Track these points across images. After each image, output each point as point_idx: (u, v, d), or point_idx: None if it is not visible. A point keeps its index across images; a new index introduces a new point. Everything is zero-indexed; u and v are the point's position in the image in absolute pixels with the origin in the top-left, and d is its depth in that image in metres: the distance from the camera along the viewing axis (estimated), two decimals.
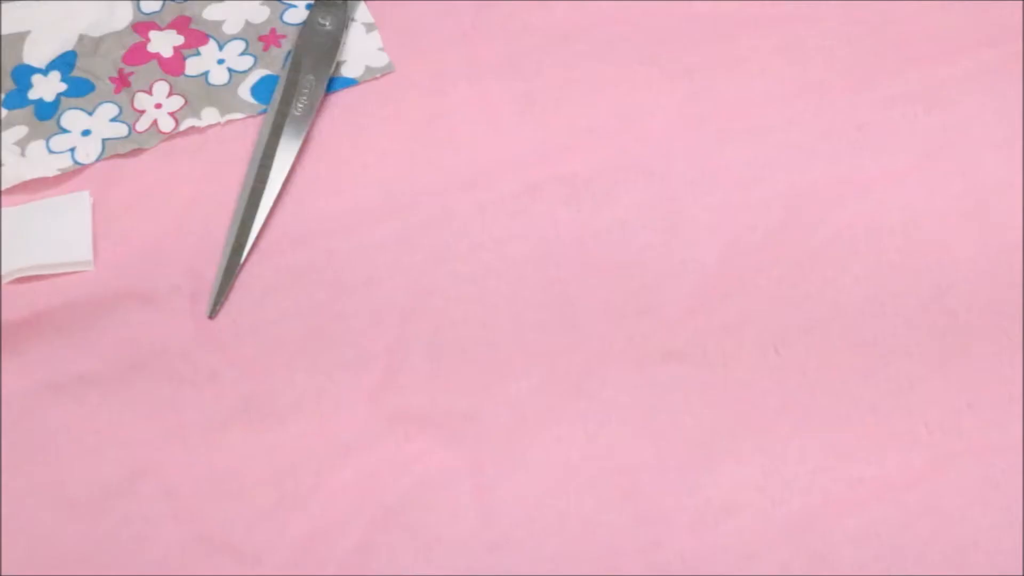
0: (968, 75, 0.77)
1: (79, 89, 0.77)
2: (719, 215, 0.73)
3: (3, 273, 0.72)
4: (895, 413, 0.69)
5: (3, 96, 0.77)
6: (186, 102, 0.77)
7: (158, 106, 0.76)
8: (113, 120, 0.76)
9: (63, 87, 0.77)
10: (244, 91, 0.77)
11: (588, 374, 0.70)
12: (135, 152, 0.76)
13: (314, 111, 0.76)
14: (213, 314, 0.71)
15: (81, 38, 0.78)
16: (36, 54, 0.78)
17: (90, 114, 0.76)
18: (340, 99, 0.77)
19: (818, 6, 0.79)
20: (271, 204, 0.73)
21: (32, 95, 0.77)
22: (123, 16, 0.79)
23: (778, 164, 0.74)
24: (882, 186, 0.74)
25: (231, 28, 0.79)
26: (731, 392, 0.70)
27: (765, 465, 0.68)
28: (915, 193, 0.74)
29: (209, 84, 0.77)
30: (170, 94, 0.77)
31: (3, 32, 0.78)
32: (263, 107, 0.76)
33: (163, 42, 0.78)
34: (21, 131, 0.76)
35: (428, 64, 0.78)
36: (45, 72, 0.78)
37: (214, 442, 0.68)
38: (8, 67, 0.78)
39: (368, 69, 0.78)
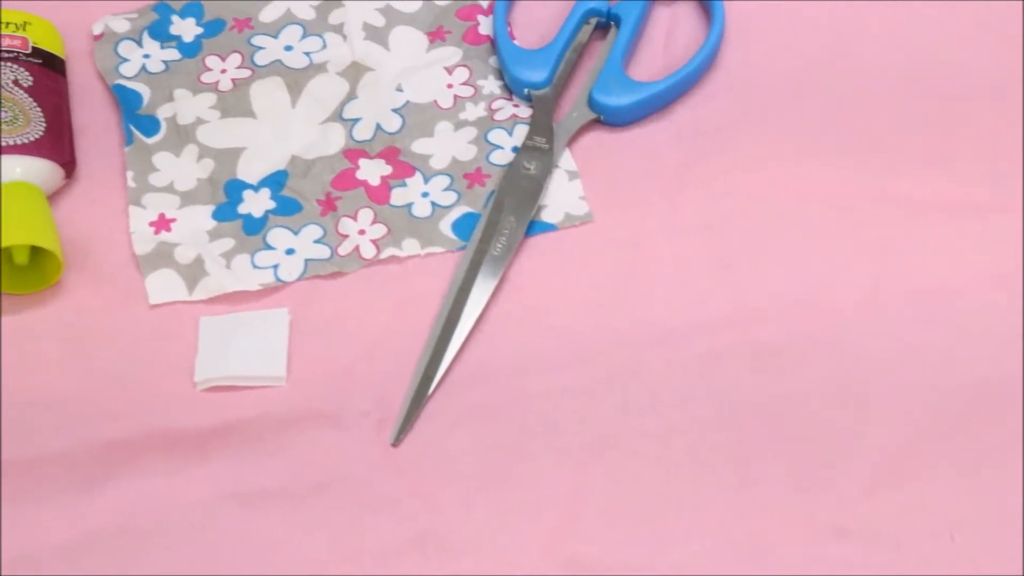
0: None
1: (287, 208, 0.79)
2: (905, 397, 0.73)
3: (198, 380, 0.74)
4: None
5: (214, 208, 0.79)
6: (389, 231, 0.78)
7: (361, 232, 0.78)
8: (317, 242, 0.78)
9: (272, 205, 0.79)
10: (445, 226, 0.79)
11: (759, 542, 0.70)
12: (335, 275, 0.77)
13: (512, 252, 0.77)
14: (397, 442, 0.72)
15: (293, 159, 0.81)
16: (250, 170, 0.80)
17: (296, 233, 0.78)
18: (538, 243, 0.78)
19: (1011, 195, 0.79)
20: (463, 339, 0.75)
21: (242, 209, 0.79)
22: (335, 141, 0.81)
23: (968, 352, 0.74)
24: None
25: (438, 163, 0.81)
26: None
27: None
28: None
29: (412, 216, 0.79)
30: (374, 222, 0.79)
31: (221, 146, 0.81)
32: (463, 243, 0.78)
33: (372, 170, 0.80)
34: (228, 243, 0.78)
35: (627, 217, 0.79)
36: (256, 188, 0.80)
37: (387, 570, 0.69)
38: (221, 180, 0.80)
39: (568, 216, 0.79)
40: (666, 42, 0.85)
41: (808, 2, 0.86)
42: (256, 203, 0.79)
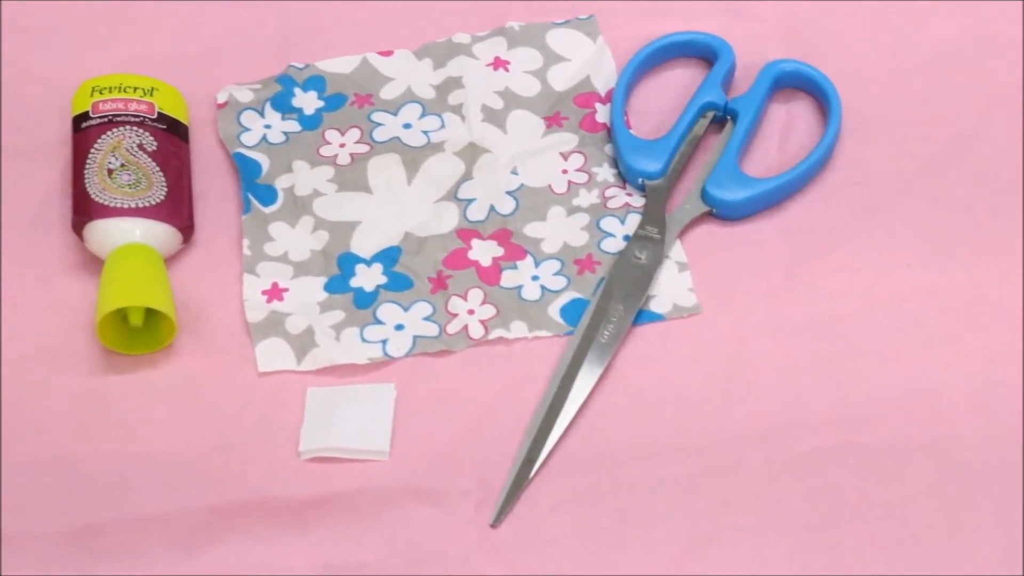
0: None
1: (398, 284, 0.80)
2: (1010, 508, 0.73)
3: (302, 450, 0.75)
4: None
5: (327, 280, 0.80)
6: (498, 312, 0.79)
7: (471, 312, 0.79)
8: (426, 319, 0.79)
9: (383, 280, 0.80)
10: (554, 310, 0.79)
11: None
12: (442, 353, 0.78)
13: (619, 340, 0.77)
14: (496, 523, 0.73)
15: (407, 236, 0.82)
16: (363, 245, 0.81)
17: (405, 310, 0.79)
18: (645, 332, 0.79)
19: None
20: (566, 424, 0.75)
21: (353, 283, 0.80)
22: (449, 220, 0.82)
23: None
24: None
25: (549, 247, 0.81)
26: None
27: None
28: None
29: (521, 298, 0.80)
30: (483, 302, 0.79)
31: (336, 219, 0.82)
32: (570, 328, 0.79)
33: (483, 251, 0.81)
34: (338, 316, 0.79)
35: (734, 312, 0.79)
36: (369, 263, 0.81)
37: None
38: (335, 253, 0.81)
39: (676, 307, 0.79)
40: (781, 138, 0.85)
41: (927, 103, 0.86)
42: (368, 277, 0.80)
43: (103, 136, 0.82)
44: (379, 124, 0.86)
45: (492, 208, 0.83)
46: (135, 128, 0.83)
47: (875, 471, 0.74)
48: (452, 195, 0.83)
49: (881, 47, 0.88)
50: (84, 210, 0.80)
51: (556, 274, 0.81)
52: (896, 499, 0.73)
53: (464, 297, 0.80)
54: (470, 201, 0.83)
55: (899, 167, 0.84)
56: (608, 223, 0.82)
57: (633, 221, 0.82)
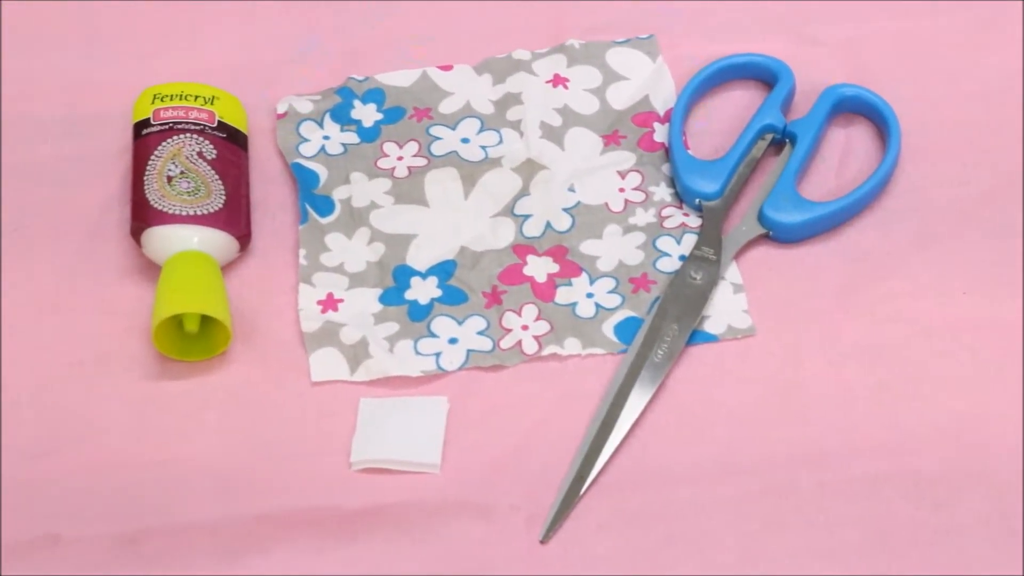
0: None
1: (453, 298, 0.80)
2: None
3: (354, 461, 0.75)
4: None
5: (382, 291, 0.81)
6: (551, 328, 0.79)
7: (525, 328, 0.79)
8: (480, 333, 0.79)
9: (438, 293, 0.80)
10: (608, 328, 0.79)
11: None
12: (496, 367, 0.78)
13: (672, 360, 0.77)
14: (545, 540, 0.73)
15: (462, 250, 0.82)
16: (419, 258, 0.82)
17: (460, 323, 0.79)
18: (698, 352, 0.79)
19: None
20: (617, 443, 0.75)
21: (408, 295, 0.80)
22: (505, 236, 0.82)
23: None
24: None
25: (605, 265, 0.81)
26: None
27: None
28: None
29: (576, 315, 0.80)
30: (537, 318, 0.79)
31: (392, 231, 0.82)
32: (624, 347, 0.78)
33: (539, 267, 0.81)
34: (392, 327, 0.79)
35: (789, 334, 0.79)
36: (424, 276, 0.81)
37: None
38: (390, 265, 0.81)
39: (730, 328, 0.79)
40: (840, 162, 0.85)
41: (987, 130, 0.86)
42: (423, 290, 0.81)
43: (163, 143, 0.83)
44: (437, 138, 0.86)
45: (548, 224, 0.83)
46: (195, 136, 0.83)
47: (927, 498, 0.74)
48: (509, 211, 0.83)
49: (942, 73, 0.88)
50: (143, 216, 0.81)
51: (611, 292, 0.80)
52: (947, 527, 0.73)
53: (518, 312, 0.80)
54: (526, 217, 0.83)
55: (958, 194, 0.84)
56: (664, 243, 0.82)
57: (689, 241, 0.82)
